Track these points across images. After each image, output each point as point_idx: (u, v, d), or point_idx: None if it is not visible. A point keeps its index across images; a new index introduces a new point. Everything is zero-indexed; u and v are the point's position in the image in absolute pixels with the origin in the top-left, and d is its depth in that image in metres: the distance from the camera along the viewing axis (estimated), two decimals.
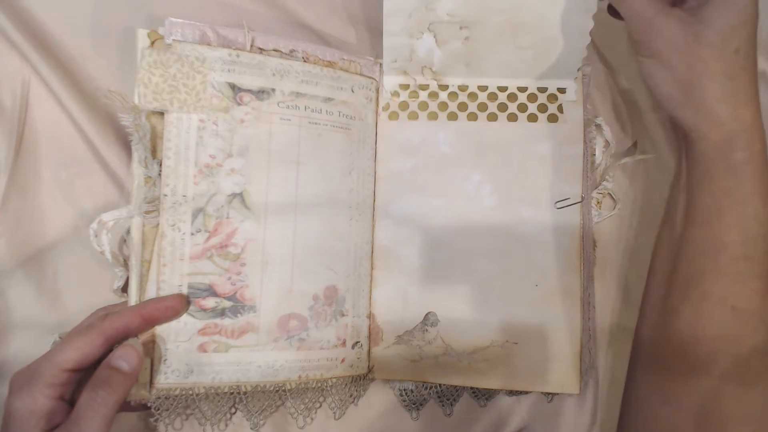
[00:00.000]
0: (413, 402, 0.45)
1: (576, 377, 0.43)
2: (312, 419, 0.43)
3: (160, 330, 0.38)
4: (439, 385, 0.45)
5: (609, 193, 0.47)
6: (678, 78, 0.35)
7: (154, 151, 0.39)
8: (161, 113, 0.39)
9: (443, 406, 0.45)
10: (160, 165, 0.39)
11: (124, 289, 0.41)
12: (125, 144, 0.42)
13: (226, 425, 0.42)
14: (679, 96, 0.35)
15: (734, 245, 0.35)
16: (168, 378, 0.38)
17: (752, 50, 0.34)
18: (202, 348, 0.39)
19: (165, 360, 0.38)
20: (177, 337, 0.39)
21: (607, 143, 0.48)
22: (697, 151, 0.36)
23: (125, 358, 0.35)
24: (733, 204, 0.35)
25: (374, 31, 0.47)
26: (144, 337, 0.38)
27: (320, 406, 0.43)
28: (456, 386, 0.45)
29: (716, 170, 0.35)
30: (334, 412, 0.43)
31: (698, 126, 0.35)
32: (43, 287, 0.41)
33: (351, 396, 0.44)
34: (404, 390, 0.45)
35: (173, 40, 0.39)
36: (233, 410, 0.42)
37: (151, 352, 0.38)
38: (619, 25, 0.49)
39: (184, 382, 0.39)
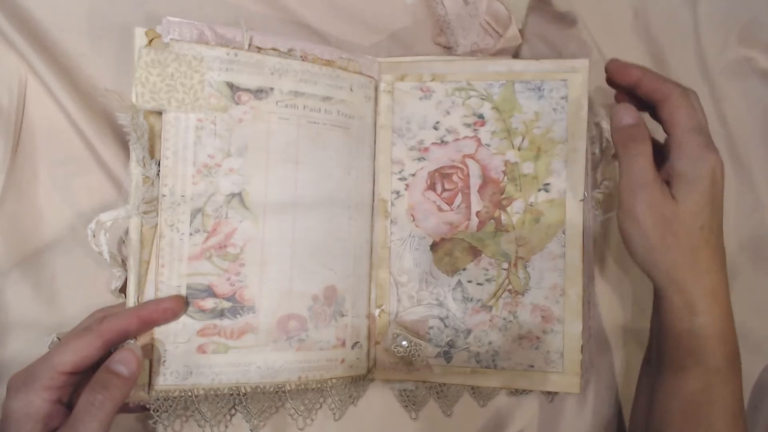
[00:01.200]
0: (413, 402, 0.45)
1: (577, 376, 0.43)
2: (312, 420, 0.43)
3: (159, 331, 0.38)
4: (439, 384, 0.45)
5: (609, 193, 0.47)
6: (650, 244, 0.38)
7: (152, 151, 0.39)
8: (159, 113, 0.38)
9: (443, 406, 0.45)
10: (159, 165, 0.38)
11: (122, 289, 0.41)
12: (123, 143, 0.41)
13: (226, 426, 0.41)
14: (649, 259, 0.39)
15: (697, 393, 0.38)
16: (167, 380, 0.38)
17: (715, 225, 0.38)
18: (201, 349, 0.39)
19: (164, 361, 0.38)
20: (176, 338, 0.38)
21: (607, 143, 0.47)
22: (664, 308, 0.39)
23: (124, 362, 0.35)
24: (695, 363, 0.38)
25: (374, 29, 0.47)
26: (143, 339, 0.38)
27: (320, 407, 0.43)
28: (456, 386, 0.45)
29: (681, 329, 0.38)
30: (334, 413, 0.43)
31: (664, 289, 0.39)
32: (40, 287, 0.41)
33: (350, 397, 0.44)
34: (404, 390, 0.45)
35: (171, 39, 0.39)
36: (232, 412, 0.41)
37: (150, 353, 0.38)
38: (620, 25, 0.49)
39: (183, 383, 0.38)
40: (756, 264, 0.49)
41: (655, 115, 0.40)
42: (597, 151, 0.47)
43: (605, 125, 0.47)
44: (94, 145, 0.41)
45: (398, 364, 0.44)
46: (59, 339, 0.39)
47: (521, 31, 0.45)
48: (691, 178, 0.37)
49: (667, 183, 0.38)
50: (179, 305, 0.38)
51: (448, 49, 0.46)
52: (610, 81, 0.41)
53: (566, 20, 0.48)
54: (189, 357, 0.38)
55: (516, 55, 0.47)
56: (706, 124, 0.39)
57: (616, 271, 0.48)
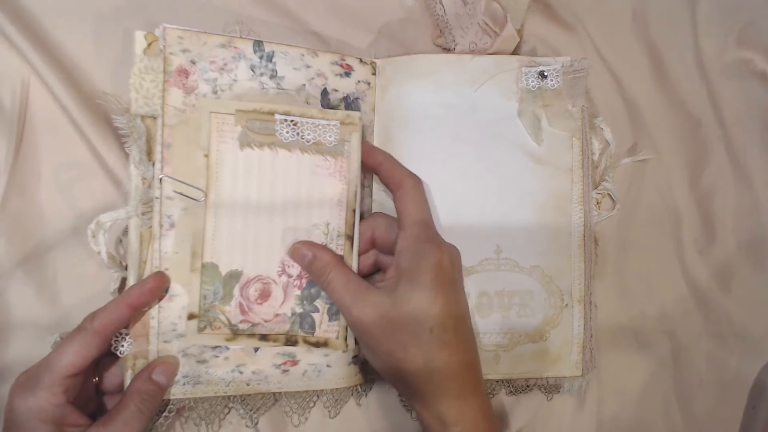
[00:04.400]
0: None
1: (579, 362, 0.44)
2: (306, 418, 0.43)
3: (163, 343, 0.38)
4: None
5: (609, 194, 0.47)
6: (386, 365, 0.36)
7: (150, 153, 0.39)
8: (155, 117, 0.39)
9: None
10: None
11: (121, 290, 0.41)
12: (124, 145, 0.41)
13: (220, 426, 0.42)
14: (398, 387, 0.36)
15: None
16: (174, 389, 0.38)
17: (451, 322, 0.36)
18: (202, 354, 0.39)
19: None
20: (178, 344, 0.38)
21: (606, 143, 0.48)
22: (421, 425, 0.37)
23: (165, 373, 0.37)
24: None
25: (373, 30, 0.47)
26: (139, 345, 0.38)
27: (314, 405, 0.43)
28: None
29: None
30: (329, 411, 0.43)
31: (421, 415, 0.36)
32: (42, 287, 0.41)
33: (344, 397, 0.44)
34: None
35: (165, 46, 0.39)
36: (226, 410, 0.42)
37: (146, 355, 0.38)
38: (618, 26, 0.50)
39: (183, 389, 0.38)
40: (754, 264, 0.49)
41: (393, 200, 0.39)
42: (596, 151, 0.48)
43: (605, 125, 0.48)
44: (96, 147, 0.41)
45: None
46: (62, 339, 0.40)
47: (519, 31, 0.45)
48: (410, 277, 0.36)
49: (391, 279, 0.37)
50: (162, 281, 0.38)
51: (447, 50, 0.47)
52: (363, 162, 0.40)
53: (565, 21, 0.49)
54: (190, 363, 0.39)
55: (515, 54, 0.47)
56: (430, 217, 0.39)
57: (616, 271, 0.48)
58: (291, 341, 0.40)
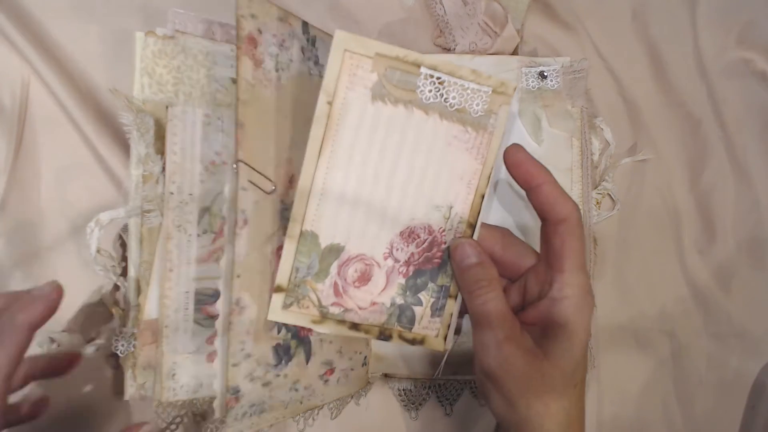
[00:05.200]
0: (412, 402, 0.45)
1: None
2: (314, 419, 0.43)
3: (166, 344, 0.37)
4: (439, 384, 0.45)
5: (609, 194, 0.47)
6: (518, 415, 0.32)
7: (162, 147, 0.38)
8: (164, 109, 0.37)
9: (443, 405, 0.45)
10: (163, 162, 0.38)
11: (114, 293, 0.41)
12: (124, 145, 0.41)
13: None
14: (514, 424, 0.32)
15: None
16: (177, 395, 0.37)
17: (584, 375, 0.33)
18: (210, 358, 0.38)
19: (173, 375, 0.37)
20: (185, 348, 0.38)
21: (606, 143, 0.48)
22: None
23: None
24: None
25: (373, 30, 0.47)
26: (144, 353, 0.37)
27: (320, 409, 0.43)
28: (456, 384, 0.45)
29: None
30: (331, 412, 0.43)
31: None
32: None
33: (346, 397, 0.44)
34: (403, 390, 0.45)
35: (176, 30, 0.38)
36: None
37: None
38: (618, 26, 0.50)
39: (192, 396, 0.38)
40: (754, 264, 0.49)
41: (543, 229, 0.34)
42: (596, 151, 0.48)
43: (605, 125, 0.48)
44: (96, 147, 0.41)
45: None
46: (51, 339, 0.40)
47: (519, 31, 0.45)
48: (573, 331, 0.32)
49: (534, 324, 0.33)
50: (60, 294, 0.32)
51: (448, 50, 0.47)
52: (507, 166, 0.35)
53: (565, 21, 0.49)
54: (198, 368, 0.38)
55: (514, 54, 0.47)
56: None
57: (616, 271, 0.48)
58: (385, 335, 0.35)
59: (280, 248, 0.34)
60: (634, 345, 0.48)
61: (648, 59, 0.50)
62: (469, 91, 0.33)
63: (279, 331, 0.35)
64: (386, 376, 0.44)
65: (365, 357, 0.42)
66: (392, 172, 0.34)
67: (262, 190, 0.33)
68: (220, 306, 0.34)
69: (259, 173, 0.33)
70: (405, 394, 0.45)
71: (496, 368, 0.32)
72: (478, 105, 0.34)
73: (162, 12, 0.43)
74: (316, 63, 0.37)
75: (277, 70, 0.34)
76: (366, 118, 0.33)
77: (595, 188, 0.47)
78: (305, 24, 0.36)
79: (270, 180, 0.33)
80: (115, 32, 0.43)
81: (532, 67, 0.44)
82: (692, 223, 0.49)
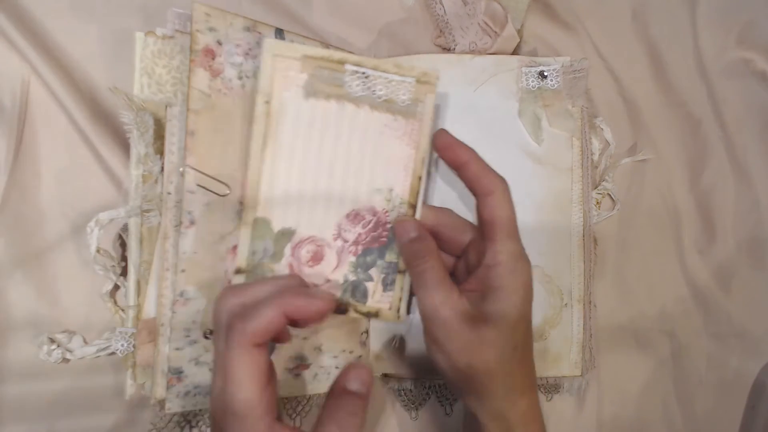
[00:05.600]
0: (412, 401, 0.45)
1: (578, 362, 0.43)
2: (308, 411, 0.43)
3: (174, 351, 0.37)
4: (439, 384, 0.45)
5: (609, 194, 0.47)
6: (460, 372, 0.34)
7: (161, 147, 0.38)
8: (164, 109, 0.38)
9: (443, 405, 0.45)
10: (162, 162, 0.38)
11: (113, 293, 0.41)
12: (125, 144, 0.41)
13: None
14: (461, 387, 0.35)
15: None
16: (183, 402, 0.37)
17: (528, 343, 0.35)
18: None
19: (186, 378, 0.37)
20: (191, 352, 0.37)
21: (606, 143, 0.48)
22: None
23: (359, 380, 0.33)
24: None
25: (373, 30, 0.47)
26: (145, 352, 0.37)
27: (310, 409, 0.43)
28: None
29: None
30: None
31: (481, 416, 0.35)
32: (42, 288, 0.41)
33: None
34: (403, 390, 0.45)
35: (176, 30, 0.38)
36: None
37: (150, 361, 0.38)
38: (618, 25, 0.50)
39: (194, 401, 0.38)
40: (754, 263, 0.49)
41: (476, 203, 0.36)
42: (596, 151, 0.48)
43: (605, 125, 0.48)
44: (96, 146, 0.41)
45: None
46: (51, 339, 0.40)
47: (519, 31, 0.45)
48: (507, 293, 0.34)
49: (474, 291, 0.35)
50: (330, 305, 0.33)
51: (448, 50, 0.47)
52: (437, 150, 0.37)
53: (565, 21, 0.49)
54: (204, 374, 0.38)
55: (515, 54, 0.47)
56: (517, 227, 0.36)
57: (616, 271, 0.48)
58: (341, 309, 0.37)
59: (237, 247, 0.36)
60: (634, 345, 0.48)
61: (648, 59, 0.50)
62: (394, 83, 0.36)
63: None
64: (386, 376, 0.44)
65: (359, 357, 0.42)
66: (332, 161, 0.37)
67: (215, 193, 0.36)
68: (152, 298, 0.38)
69: (211, 177, 0.36)
70: (405, 394, 0.45)
71: (436, 331, 0.34)
72: (404, 95, 0.37)
73: (162, 12, 0.43)
74: None
75: (240, 78, 0.37)
76: (302, 113, 0.36)
77: (595, 188, 0.47)
78: (279, 31, 0.38)
79: (224, 183, 0.36)
80: (115, 32, 0.43)
81: (532, 66, 0.44)
82: (692, 223, 0.49)
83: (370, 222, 0.37)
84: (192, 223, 0.36)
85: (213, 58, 0.36)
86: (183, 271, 0.36)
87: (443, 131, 0.37)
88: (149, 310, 0.39)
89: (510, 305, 0.34)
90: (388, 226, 0.38)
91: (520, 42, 0.46)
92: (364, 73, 0.36)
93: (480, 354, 0.33)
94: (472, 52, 0.45)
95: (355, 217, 0.37)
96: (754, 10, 0.50)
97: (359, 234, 0.37)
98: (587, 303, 0.44)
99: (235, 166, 0.37)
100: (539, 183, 0.44)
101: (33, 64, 0.41)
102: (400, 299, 0.38)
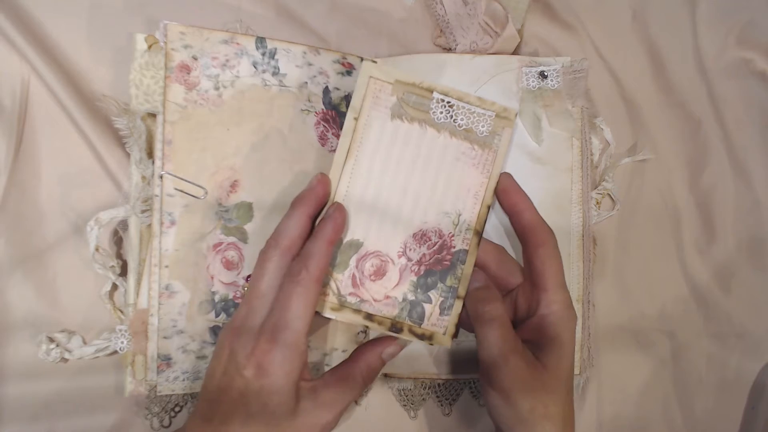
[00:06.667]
0: (412, 401, 0.45)
1: (577, 361, 0.43)
2: None
3: (162, 339, 0.38)
4: (439, 384, 0.45)
5: (608, 194, 0.47)
6: (520, 417, 0.35)
7: (150, 152, 0.39)
8: (154, 114, 0.39)
9: (443, 405, 0.45)
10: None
11: (113, 292, 0.41)
12: (124, 144, 0.41)
13: None
14: (517, 429, 0.36)
15: None
16: (175, 385, 0.39)
17: (572, 384, 0.37)
18: (202, 350, 0.39)
19: (174, 363, 0.39)
20: (179, 341, 0.39)
21: (606, 143, 0.48)
22: None
23: (393, 353, 0.38)
24: None
25: (374, 30, 0.47)
26: (138, 341, 0.38)
27: None
28: (455, 384, 0.45)
29: None
30: None
31: None
32: (42, 287, 0.41)
33: None
34: (403, 389, 0.45)
35: (164, 42, 0.39)
36: None
37: (144, 349, 0.38)
38: (618, 25, 0.50)
39: (190, 385, 0.39)
40: (754, 263, 0.49)
41: (525, 251, 0.38)
42: (596, 151, 0.48)
43: (605, 125, 0.48)
44: (96, 147, 0.41)
45: None
46: (51, 339, 0.40)
47: (519, 31, 0.45)
48: (562, 342, 0.36)
49: (527, 340, 0.37)
50: (343, 214, 0.37)
51: (448, 50, 0.47)
52: (496, 192, 0.39)
53: (565, 21, 0.49)
54: (191, 361, 0.39)
55: (515, 54, 0.47)
56: None
57: (616, 271, 0.48)
58: (396, 327, 0.38)
59: (217, 244, 0.39)
60: (634, 345, 0.48)
61: (648, 59, 0.50)
62: (475, 115, 0.39)
63: (218, 315, 0.39)
64: (386, 376, 0.44)
65: None
66: (407, 180, 0.38)
67: (192, 196, 0.39)
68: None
69: (189, 182, 0.39)
70: (405, 394, 0.45)
71: (502, 377, 0.35)
72: (483, 127, 0.39)
73: (163, 12, 0.43)
74: (275, 74, 0.40)
75: (217, 89, 0.39)
76: (386, 133, 0.38)
77: (595, 188, 0.47)
78: (260, 39, 0.40)
79: (201, 187, 0.39)
80: (115, 33, 0.43)
81: (532, 66, 0.44)
82: (692, 223, 0.49)
83: (435, 244, 0.39)
84: (173, 223, 0.39)
85: (189, 73, 0.39)
86: (166, 266, 0.38)
87: (508, 175, 0.39)
88: (143, 301, 0.40)
89: (565, 354, 0.36)
90: (453, 250, 0.39)
91: (520, 42, 0.46)
92: (449, 102, 0.38)
93: (542, 400, 0.35)
94: (472, 52, 0.45)
95: (422, 237, 0.38)
96: (754, 10, 0.50)
97: (423, 254, 0.39)
98: (586, 303, 0.44)
99: (213, 171, 0.39)
100: (539, 183, 0.44)
101: (33, 64, 0.41)
102: (456, 325, 0.39)
